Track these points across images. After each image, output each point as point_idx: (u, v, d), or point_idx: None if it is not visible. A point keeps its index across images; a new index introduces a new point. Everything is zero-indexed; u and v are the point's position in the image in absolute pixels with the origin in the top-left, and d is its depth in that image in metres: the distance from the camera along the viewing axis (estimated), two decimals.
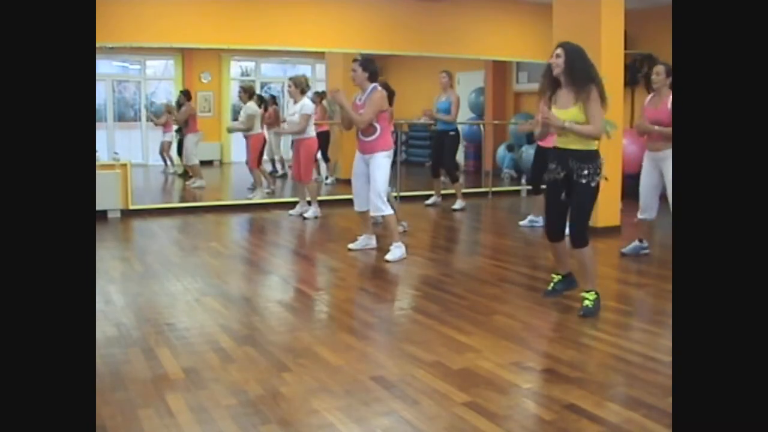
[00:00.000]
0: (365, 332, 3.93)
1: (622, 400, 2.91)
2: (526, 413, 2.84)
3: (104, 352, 3.44)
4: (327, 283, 5.11)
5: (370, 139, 5.62)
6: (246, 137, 8.81)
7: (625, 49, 7.10)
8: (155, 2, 7.84)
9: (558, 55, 4.04)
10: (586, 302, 4.13)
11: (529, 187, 8.17)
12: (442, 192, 8.85)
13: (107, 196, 7.41)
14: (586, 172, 4.04)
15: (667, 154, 5.23)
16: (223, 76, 13.95)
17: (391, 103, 7.15)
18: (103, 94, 12.87)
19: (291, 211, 7.91)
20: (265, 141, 9.02)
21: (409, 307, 4.43)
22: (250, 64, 14.32)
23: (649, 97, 5.60)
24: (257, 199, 8.73)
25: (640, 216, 5.74)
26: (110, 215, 7.56)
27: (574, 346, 3.60)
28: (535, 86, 7.09)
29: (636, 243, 5.81)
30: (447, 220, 8.10)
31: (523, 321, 4.06)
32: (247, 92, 8.78)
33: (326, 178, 10.80)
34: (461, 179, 9.02)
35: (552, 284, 4.50)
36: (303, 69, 13.32)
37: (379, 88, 5.63)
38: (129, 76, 14.21)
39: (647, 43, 9.59)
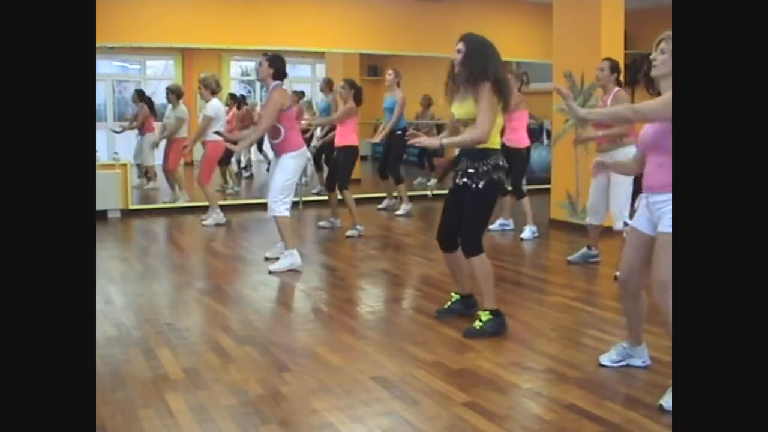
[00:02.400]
0: (365, 332, 3.93)
1: (622, 400, 2.91)
2: (526, 413, 2.84)
3: (104, 352, 3.44)
4: (327, 283, 5.11)
5: (276, 141, 5.23)
6: (169, 141, 8.15)
7: (625, 49, 7.10)
8: (155, 2, 7.84)
9: (459, 51, 3.67)
10: (476, 323, 3.72)
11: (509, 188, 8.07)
12: (392, 194, 8.45)
13: (107, 196, 7.41)
14: (472, 171, 3.68)
15: (614, 155, 4.93)
16: (223, 76, 13.93)
17: (358, 101, 6.85)
18: (103, 94, 12.85)
19: (204, 219, 7.41)
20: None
21: (409, 307, 4.43)
22: (250, 64, 14.31)
23: (609, 94, 5.27)
24: (181, 203, 8.27)
25: (588, 220, 5.46)
26: (110, 215, 7.56)
27: (574, 346, 3.60)
28: (535, 87, 7.15)
29: (584, 250, 5.55)
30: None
31: (523, 321, 4.06)
32: (175, 93, 8.17)
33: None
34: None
35: (449, 303, 4.10)
36: (303, 69, 13.30)
37: (282, 87, 5.22)
38: (129, 76, 14.19)
39: (647, 43, 9.53)
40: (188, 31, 8.06)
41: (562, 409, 2.82)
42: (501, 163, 3.75)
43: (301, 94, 10.41)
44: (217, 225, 7.23)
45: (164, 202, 8.44)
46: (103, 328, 3.81)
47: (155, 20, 7.82)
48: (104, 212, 7.47)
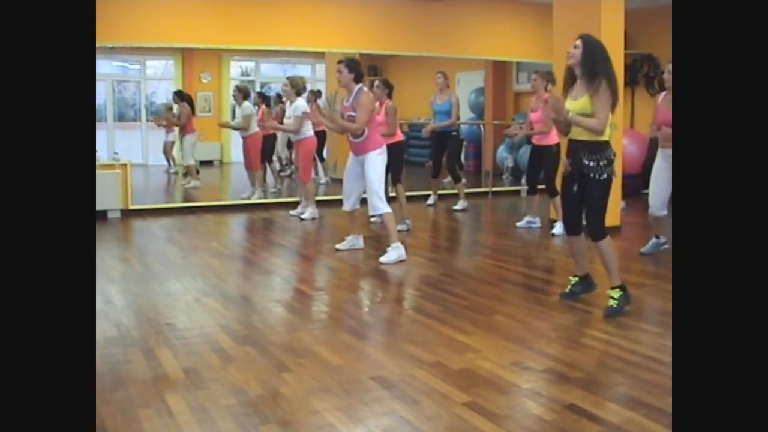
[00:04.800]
0: (365, 332, 3.93)
1: (622, 400, 2.91)
2: (526, 413, 2.84)
3: (104, 352, 3.44)
4: (327, 283, 5.11)
5: (359, 140, 5.55)
6: (243, 138, 8.81)
7: (625, 49, 7.10)
8: (155, 2, 7.84)
9: (576, 46, 4.01)
10: (611, 302, 4.10)
11: (527, 188, 8.17)
12: (440, 192, 8.83)
13: (107, 196, 7.42)
14: (593, 164, 4.01)
15: None
16: (223, 76, 13.94)
17: (390, 96, 7.18)
18: (103, 94, 12.87)
19: (292, 212, 7.89)
20: (266, 140, 9.00)
21: (409, 307, 4.43)
22: (250, 64, 14.32)
23: (662, 96, 5.38)
24: (254, 199, 8.73)
25: (655, 213, 5.56)
26: (110, 215, 7.56)
27: (574, 346, 3.60)
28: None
29: (653, 240, 5.77)
30: (447, 220, 8.10)
31: (523, 321, 4.06)
32: (242, 92, 8.74)
33: (321, 177, 10.74)
34: (464, 180, 9.03)
35: (570, 286, 4.43)
36: (303, 69, 13.31)
37: (365, 89, 5.59)
38: (129, 76, 14.23)
39: (647, 43, 9.59)
40: (188, 31, 8.06)
41: (562, 409, 2.82)
42: (614, 156, 4.08)
43: (318, 93, 10.46)
44: (313, 219, 7.58)
45: (242, 198, 8.85)
46: (103, 328, 3.80)
47: (155, 20, 7.82)
48: (104, 212, 7.47)
